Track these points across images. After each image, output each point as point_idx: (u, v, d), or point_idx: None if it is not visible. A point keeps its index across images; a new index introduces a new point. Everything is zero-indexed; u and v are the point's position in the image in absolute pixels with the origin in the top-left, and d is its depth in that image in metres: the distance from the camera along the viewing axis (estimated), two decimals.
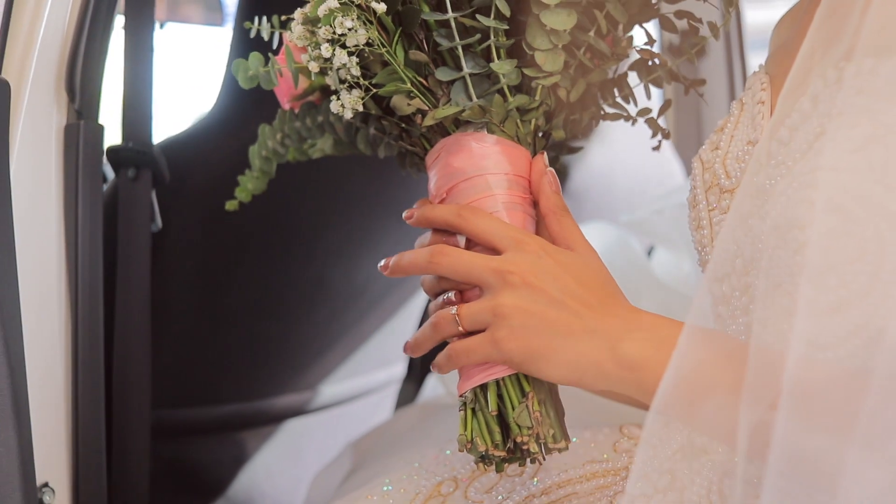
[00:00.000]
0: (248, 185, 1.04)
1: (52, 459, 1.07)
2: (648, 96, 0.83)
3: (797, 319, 0.59)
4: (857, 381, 0.58)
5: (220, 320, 1.68)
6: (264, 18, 0.92)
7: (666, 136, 0.88)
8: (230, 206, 1.06)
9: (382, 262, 0.83)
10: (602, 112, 0.86)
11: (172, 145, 1.49)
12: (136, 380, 1.30)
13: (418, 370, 2.09)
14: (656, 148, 0.88)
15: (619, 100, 0.83)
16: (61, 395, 1.11)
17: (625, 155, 0.91)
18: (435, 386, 1.72)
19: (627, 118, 0.85)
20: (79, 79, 1.11)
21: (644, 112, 0.86)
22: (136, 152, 1.28)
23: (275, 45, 0.90)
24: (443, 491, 0.86)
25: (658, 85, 0.84)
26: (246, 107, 1.54)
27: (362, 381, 1.98)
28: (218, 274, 1.63)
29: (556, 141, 0.85)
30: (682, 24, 0.86)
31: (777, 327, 0.62)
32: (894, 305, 0.58)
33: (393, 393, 2.06)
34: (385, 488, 0.89)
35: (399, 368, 2.07)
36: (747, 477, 0.63)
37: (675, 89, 2.37)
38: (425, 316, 2.07)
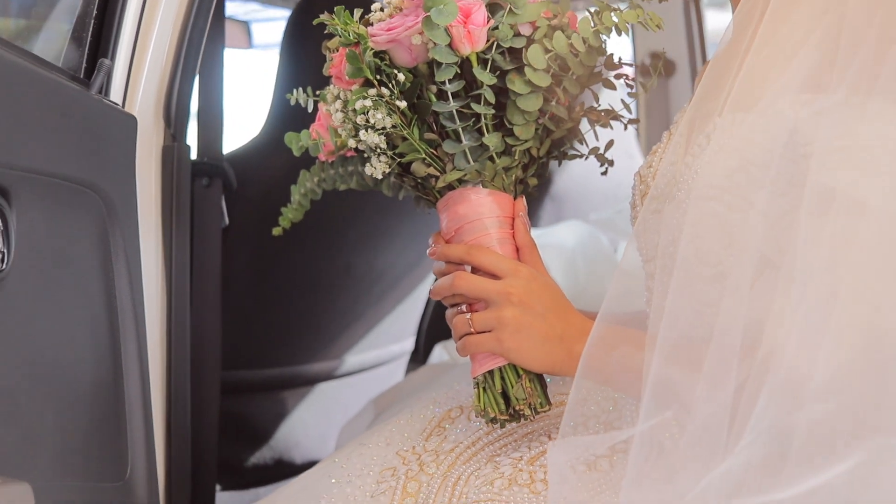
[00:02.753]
0: (289, 215, 1.28)
1: (156, 404, 1.33)
2: (596, 137, 1.14)
3: (669, 294, 0.91)
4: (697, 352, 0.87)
5: (267, 299, 1.95)
6: (300, 90, 1.19)
7: (610, 164, 1.19)
8: (276, 231, 1.28)
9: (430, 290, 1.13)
10: (564, 154, 1.16)
11: (234, 158, 1.74)
12: (210, 347, 1.54)
13: (423, 345, 2.45)
14: (604, 173, 1.19)
15: (575, 144, 1.14)
16: (159, 356, 1.36)
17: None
18: (440, 355, 2.02)
19: (582, 156, 1.16)
20: (174, 109, 1.35)
21: (594, 150, 1.16)
22: (209, 165, 1.53)
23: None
24: (452, 416, 1.18)
25: (604, 126, 1.15)
26: (290, 128, 1.79)
27: (380, 353, 2.26)
28: (267, 262, 1.90)
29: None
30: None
31: (659, 301, 0.93)
32: (734, 284, 0.88)
33: (404, 363, 2.36)
34: (408, 416, 1.21)
35: (409, 343, 2.38)
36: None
37: (647, 104, 2.66)
38: (429, 300, 2.40)
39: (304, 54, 1.93)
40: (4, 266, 0.94)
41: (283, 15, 3.03)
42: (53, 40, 1.51)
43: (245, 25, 2.82)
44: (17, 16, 1.65)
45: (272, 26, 3.18)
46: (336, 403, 2.16)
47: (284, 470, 2.01)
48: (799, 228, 0.86)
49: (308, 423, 2.14)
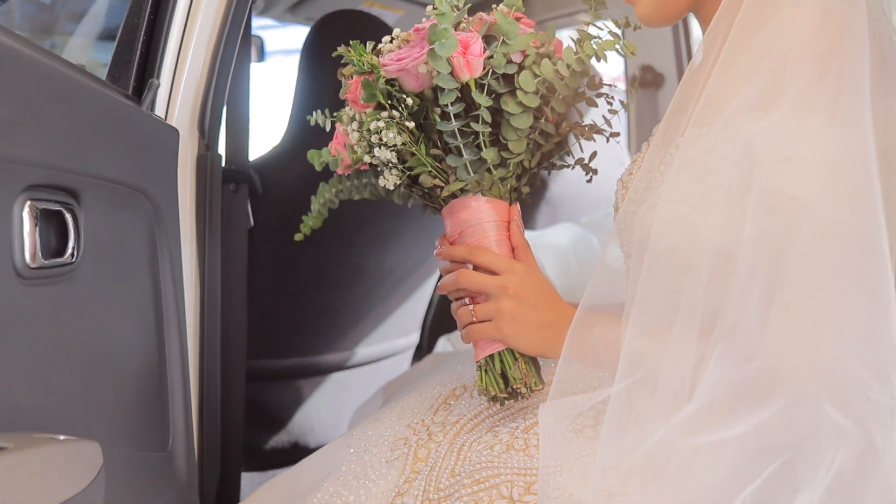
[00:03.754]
0: (310, 223, 1.36)
1: (193, 388, 1.45)
2: (581, 149, 1.28)
3: (641, 281, 1.04)
4: (666, 327, 1.01)
5: (286, 294, 2.06)
6: (319, 112, 1.28)
7: (595, 172, 1.32)
8: (298, 237, 1.35)
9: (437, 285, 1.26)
10: (553, 165, 1.28)
11: (258, 165, 1.84)
12: (237, 337, 1.65)
13: (427, 339, 2.57)
14: (589, 181, 1.32)
15: (562, 155, 1.27)
16: (194, 344, 1.47)
17: (593, 165, 1.25)
18: (444, 346, 2.12)
19: (569, 166, 1.29)
20: (208, 120, 1.46)
21: (580, 161, 1.30)
22: (237, 172, 1.65)
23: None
24: (456, 393, 1.31)
25: (588, 139, 1.28)
26: (307, 139, 1.93)
27: (387, 345, 2.39)
28: (287, 260, 2.01)
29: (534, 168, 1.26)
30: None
31: (633, 287, 1.07)
32: (696, 273, 1.01)
33: (410, 355, 2.49)
34: (417, 395, 1.35)
35: (414, 337, 2.51)
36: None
37: (637, 114, 2.79)
38: (433, 295, 2.51)
39: (320, 70, 2.04)
40: (75, 259, 1.09)
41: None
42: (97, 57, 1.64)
43: (259, 40, 2.96)
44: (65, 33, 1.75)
45: (284, 33, 3.30)
46: (348, 392, 2.27)
47: (300, 453, 2.02)
48: (749, 225, 0.98)
49: (322, 409, 2.24)
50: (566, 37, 1.23)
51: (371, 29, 2.06)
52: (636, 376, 1.02)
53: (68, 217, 1.07)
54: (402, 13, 2.86)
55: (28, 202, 0.99)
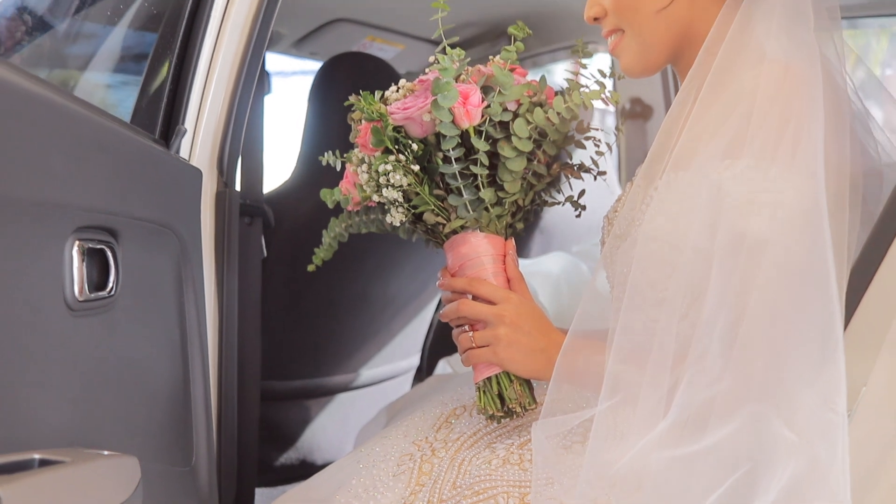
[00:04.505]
0: (321, 255, 1.45)
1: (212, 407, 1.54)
2: (570, 187, 1.39)
3: (622, 312, 1.14)
4: (643, 355, 1.11)
5: (296, 319, 2.15)
6: (330, 153, 1.36)
7: (583, 208, 1.41)
8: (311, 268, 1.44)
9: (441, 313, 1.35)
10: (545, 202, 1.38)
11: (270, 199, 1.93)
12: (251, 359, 1.75)
13: (427, 361, 2.66)
14: (578, 216, 1.41)
15: (554, 194, 1.37)
16: (213, 367, 1.57)
17: (583, 202, 1.33)
18: (443, 368, 2.20)
19: (560, 203, 1.39)
20: (226, 160, 1.56)
21: (569, 198, 1.40)
22: (252, 207, 1.75)
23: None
24: (457, 413, 1.41)
25: (577, 178, 1.39)
26: (316, 175, 2.04)
27: (390, 368, 2.48)
28: (297, 287, 2.11)
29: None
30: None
31: (615, 316, 1.16)
32: (671, 306, 1.11)
33: (411, 377, 2.58)
34: (421, 414, 1.45)
35: (415, 359, 2.60)
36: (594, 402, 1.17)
37: (627, 145, 2.89)
38: (433, 320, 2.60)
39: (328, 108, 2.15)
40: (114, 292, 1.20)
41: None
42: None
43: (266, 75, 3.06)
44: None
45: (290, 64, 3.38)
46: (352, 411, 2.36)
47: (308, 470, 2.15)
48: (717, 263, 1.08)
49: (328, 428, 2.33)
50: (561, 69, 1.33)
51: (374, 70, 2.18)
52: (618, 397, 1.12)
53: (109, 254, 1.18)
54: (402, 47, 2.95)
55: (77, 242, 1.11)
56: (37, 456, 0.93)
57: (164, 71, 1.55)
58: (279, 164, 2.20)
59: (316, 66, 2.93)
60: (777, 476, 1.01)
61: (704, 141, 1.15)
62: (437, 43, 1.25)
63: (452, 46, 1.26)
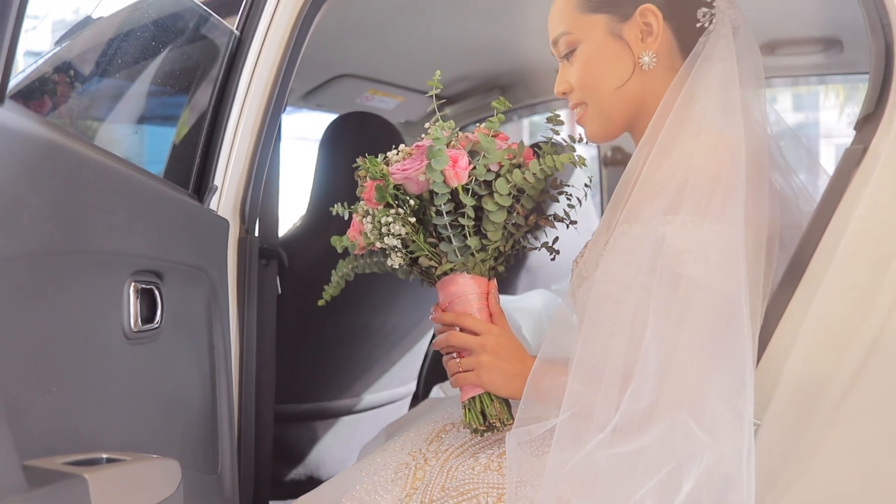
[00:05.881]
0: (330, 291, 1.61)
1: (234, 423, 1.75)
2: (546, 234, 1.58)
3: (580, 340, 1.32)
4: (598, 376, 1.29)
5: (306, 349, 2.32)
6: (339, 204, 1.51)
7: (558, 252, 1.61)
8: (321, 303, 1.59)
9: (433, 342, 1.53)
10: (524, 248, 1.56)
11: (284, 241, 2.10)
12: (267, 385, 1.89)
13: (422, 388, 2.81)
14: (553, 259, 1.60)
15: (531, 240, 1.55)
16: (235, 390, 1.76)
17: (561, 247, 1.56)
18: (437, 392, 2.37)
19: (537, 248, 1.57)
20: (248, 209, 1.75)
21: (545, 244, 1.58)
22: (268, 250, 1.90)
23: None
24: (446, 429, 1.60)
25: (551, 227, 1.60)
26: (325, 221, 2.21)
27: (389, 393, 2.63)
28: (306, 321, 2.28)
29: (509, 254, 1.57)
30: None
31: (576, 344, 1.34)
32: (619, 337, 1.29)
33: (408, 401, 2.73)
34: (415, 430, 1.64)
35: (412, 385, 2.76)
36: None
37: (609, 184, 3.07)
38: (427, 351, 2.76)
39: (335, 160, 2.33)
40: (160, 325, 1.43)
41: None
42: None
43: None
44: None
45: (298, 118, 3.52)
46: (355, 432, 2.50)
47: (315, 485, 2.05)
48: (656, 301, 1.27)
49: (333, 447, 2.47)
50: (543, 124, 1.52)
51: (377, 126, 2.39)
52: (576, 409, 1.31)
53: (156, 293, 1.41)
54: (401, 99, 3.08)
55: (132, 283, 1.34)
56: (104, 455, 1.15)
57: (189, 130, 1.76)
58: (286, 198, 2.34)
59: (323, 116, 3.12)
60: (695, 467, 1.23)
61: (649, 200, 1.31)
62: (432, 96, 1.39)
63: (447, 102, 1.45)
